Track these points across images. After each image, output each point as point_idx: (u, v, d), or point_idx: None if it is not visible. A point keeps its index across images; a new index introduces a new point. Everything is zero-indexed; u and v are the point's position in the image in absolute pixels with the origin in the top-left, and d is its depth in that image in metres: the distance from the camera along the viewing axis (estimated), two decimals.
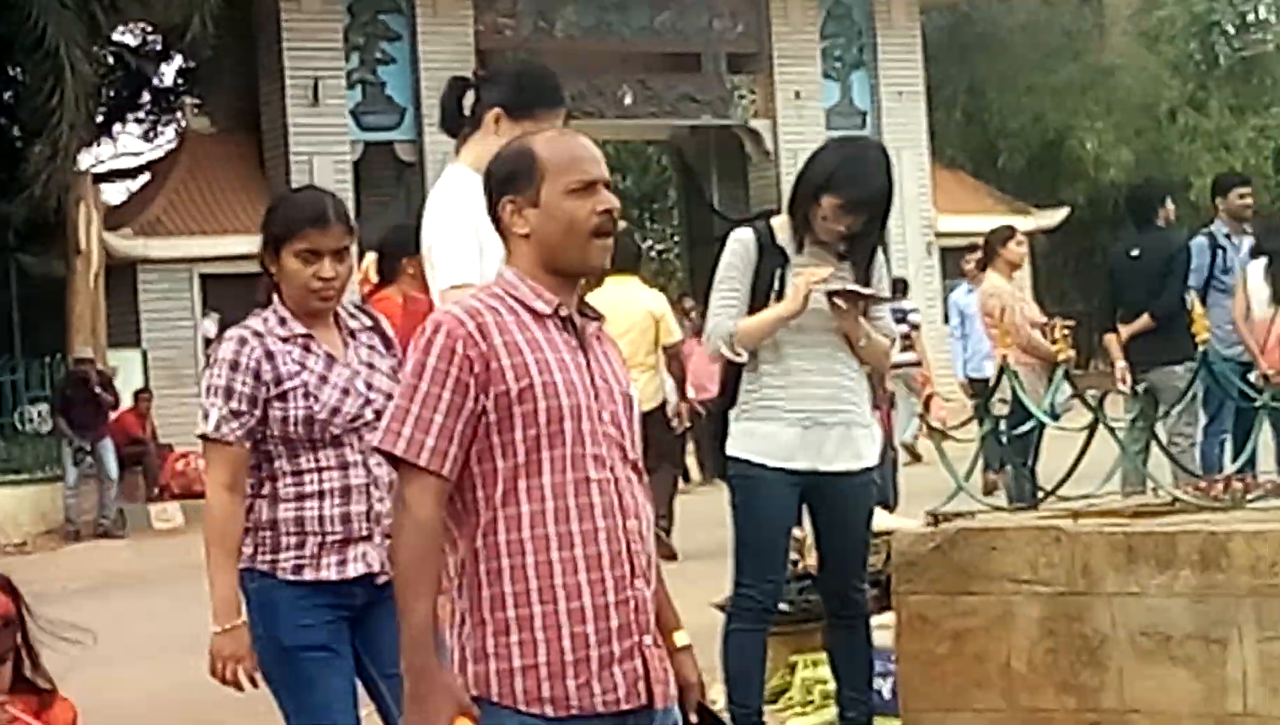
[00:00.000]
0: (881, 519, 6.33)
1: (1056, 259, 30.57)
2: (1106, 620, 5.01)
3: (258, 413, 4.23)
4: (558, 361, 3.18)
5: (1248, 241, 10.29)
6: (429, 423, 3.12)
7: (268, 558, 4.25)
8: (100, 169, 26.78)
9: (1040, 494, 5.91)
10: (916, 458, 16.77)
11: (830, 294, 5.42)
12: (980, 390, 12.70)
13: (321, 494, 4.25)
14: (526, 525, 3.14)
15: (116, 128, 28.02)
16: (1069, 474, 5.67)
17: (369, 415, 4.29)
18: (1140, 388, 9.26)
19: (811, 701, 6.54)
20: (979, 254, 12.02)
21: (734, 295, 5.55)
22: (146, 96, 27.89)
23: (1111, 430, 5.69)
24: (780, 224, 5.60)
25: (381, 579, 4.28)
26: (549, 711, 3.13)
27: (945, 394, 17.48)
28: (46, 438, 20.14)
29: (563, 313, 3.24)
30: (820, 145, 5.84)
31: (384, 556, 4.28)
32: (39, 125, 20.13)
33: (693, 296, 22.21)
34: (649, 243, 36.94)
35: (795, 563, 6.63)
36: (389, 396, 4.31)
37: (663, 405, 11.02)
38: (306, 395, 4.24)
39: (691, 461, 17.37)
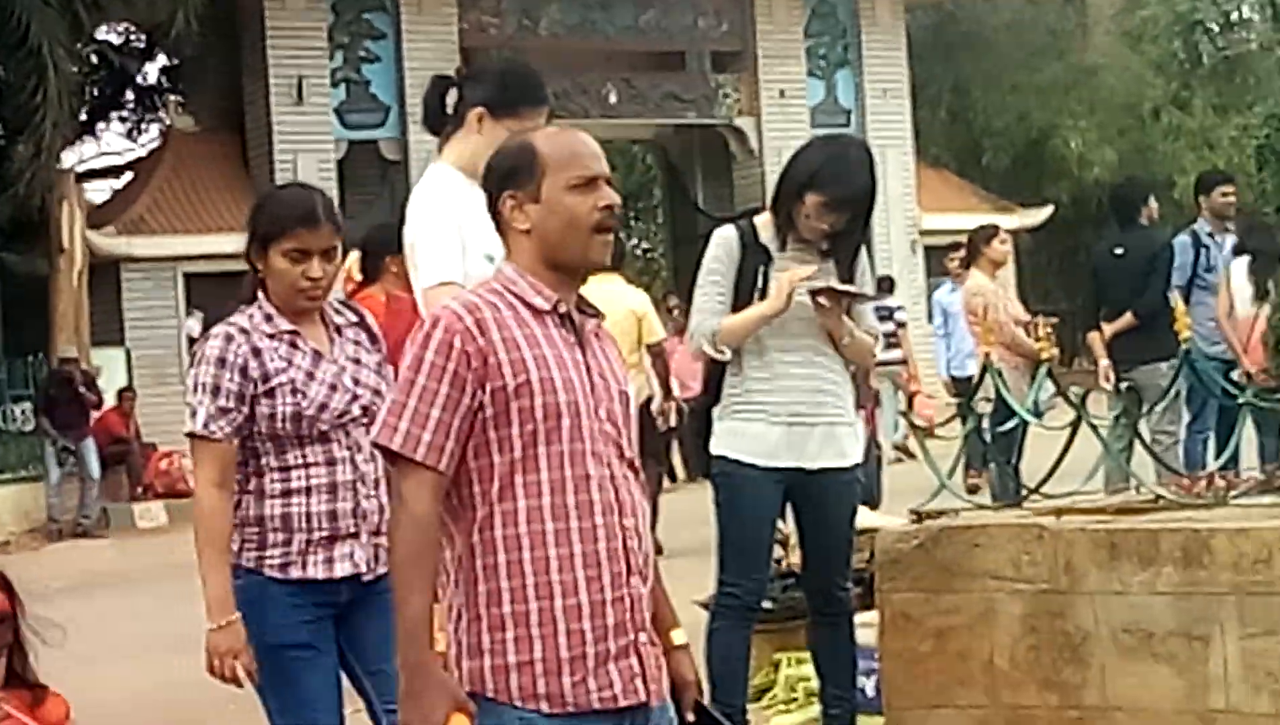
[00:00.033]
0: (865, 517, 6.33)
1: (1040, 257, 30.62)
2: (1089, 617, 5.03)
3: (245, 410, 4.22)
4: (555, 358, 3.18)
5: (1230, 240, 10.31)
6: (426, 417, 3.12)
7: (254, 554, 4.24)
8: (84, 167, 26.73)
9: (1024, 492, 5.93)
10: (910, 456, 16.80)
11: (813, 292, 5.42)
12: (963, 389, 12.76)
13: (308, 490, 4.25)
14: (523, 521, 3.13)
15: (100, 126, 27.96)
16: (1052, 472, 5.69)
17: (356, 411, 4.29)
18: (1123, 386, 9.28)
19: (795, 699, 6.55)
20: (963, 252, 12.03)
21: (717, 293, 5.55)
22: (130, 95, 27.82)
23: (1094, 428, 5.71)
24: (763, 222, 5.60)
25: (368, 576, 4.29)
26: (544, 708, 3.13)
27: (929, 392, 17.51)
28: (29, 436, 20.10)
29: (561, 309, 3.24)
30: (804, 143, 5.83)
31: (370, 555, 4.29)
32: (22, 124, 20.10)
33: (677, 295, 22.22)
34: (634, 241, 36.99)
35: (779, 561, 6.63)
36: (376, 392, 4.32)
37: (647, 403, 11.02)
38: (294, 391, 4.23)
39: (676, 459, 17.36)
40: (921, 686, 5.33)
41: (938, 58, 30.86)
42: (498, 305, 3.20)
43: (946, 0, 30.99)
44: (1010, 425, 6.95)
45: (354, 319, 4.47)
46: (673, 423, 11.90)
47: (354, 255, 7.48)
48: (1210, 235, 10.44)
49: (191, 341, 21.07)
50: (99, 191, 27.44)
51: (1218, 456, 7.43)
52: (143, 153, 27.54)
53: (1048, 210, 29.36)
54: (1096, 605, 5.01)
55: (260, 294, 4.32)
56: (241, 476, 4.27)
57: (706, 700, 4.03)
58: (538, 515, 3.13)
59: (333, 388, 4.28)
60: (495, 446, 3.14)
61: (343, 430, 4.28)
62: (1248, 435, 8.47)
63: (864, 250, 5.69)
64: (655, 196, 32.99)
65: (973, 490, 11.44)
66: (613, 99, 26.46)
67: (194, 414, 4.22)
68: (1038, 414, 6.59)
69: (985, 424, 7.45)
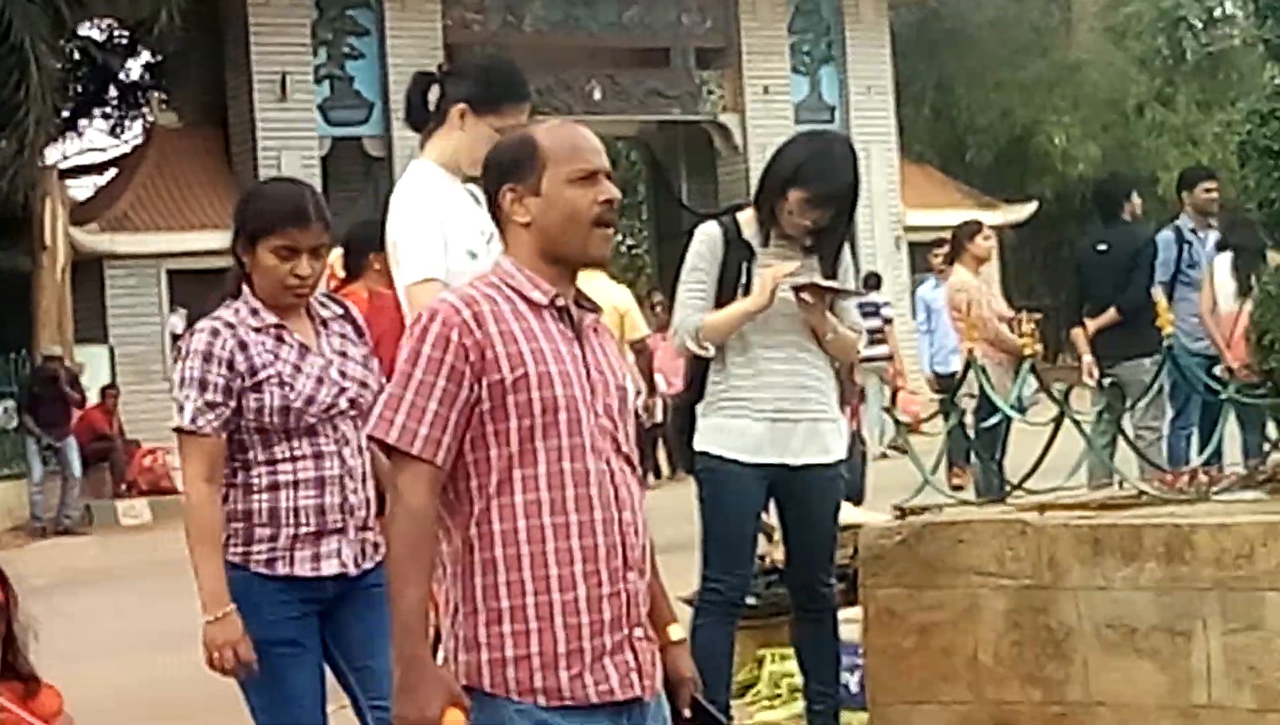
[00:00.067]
0: (848, 513, 6.34)
1: (1024, 253, 30.67)
2: (1072, 613, 5.03)
3: (233, 403, 4.20)
4: (553, 352, 3.17)
5: (1214, 235, 10.33)
6: (423, 411, 3.11)
7: (240, 549, 4.23)
8: (66, 164, 26.72)
9: (1007, 487, 5.93)
10: (903, 452, 16.78)
11: (797, 288, 5.42)
12: (946, 385, 12.75)
13: (295, 484, 4.24)
14: (521, 515, 3.12)
15: (83, 123, 27.92)
16: (1035, 467, 5.70)
17: (343, 404, 4.28)
18: (1107, 381, 9.29)
19: (779, 695, 6.56)
20: (946, 248, 12.04)
21: (700, 290, 5.54)
22: (113, 91, 27.79)
23: (1077, 424, 5.72)
24: (746, 218, 5.60)
25: (354, 572, 4.28)
26: (541, 701, 3.12)
27: (914, 388, 17.53)
28: (12, 434, 20.05)
29: (559, 303, 3.23)
30: (787, 139, 5.83)
31: (357, 551, 4.28)
32: (4, 120, 20.04)
33: (662, 291, 22.23)
34: (618, 238, 36.99)
35: (763, 557, 6.64)
36: (363, 384, 4.31)
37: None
38: (281, 384, 4.22)
39: (661, 456, 17.38)
40: (905, 682, 5.33)
41: (922, 54, 30.89)
42: (495, 299, 3.19)
43: None
44: (994, 421, 6.96)
45: (339, 312, 4.47)
46: (658, 419, 11.91)
47: (336, 252, 7.46)
48: (1193, 231, 10.46)
49: (175, 338, 21.06)
50: (82, 188, 27.43)
51: (1201, 452, 7.44)
52: (126, 149, 27.51)
53: (1031, 206, 29.41)
54: (1079, 601, 5.02)
55: (245, 288, 4.31)
56: (228, 471, 4.26)
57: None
58: (535, 509, 3.13)
59: (319, 381, 4.27)
60: (493, 440, 3.14)
61: (330, 424, 4.27)
62: (1230, 431, 8.47)
63: (847, 246, 5.70)
64: (639, 193, 33.02)
65: (957, 489, 11.46)
66: (597, 95, 26.46)
67: (181, 409, 4.21)
68: (1021, 410, 6.60)
69: (968, 420, 7.46)
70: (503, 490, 3.13)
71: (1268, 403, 5.95)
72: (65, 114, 24.94)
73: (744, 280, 5.50)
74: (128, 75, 27.63)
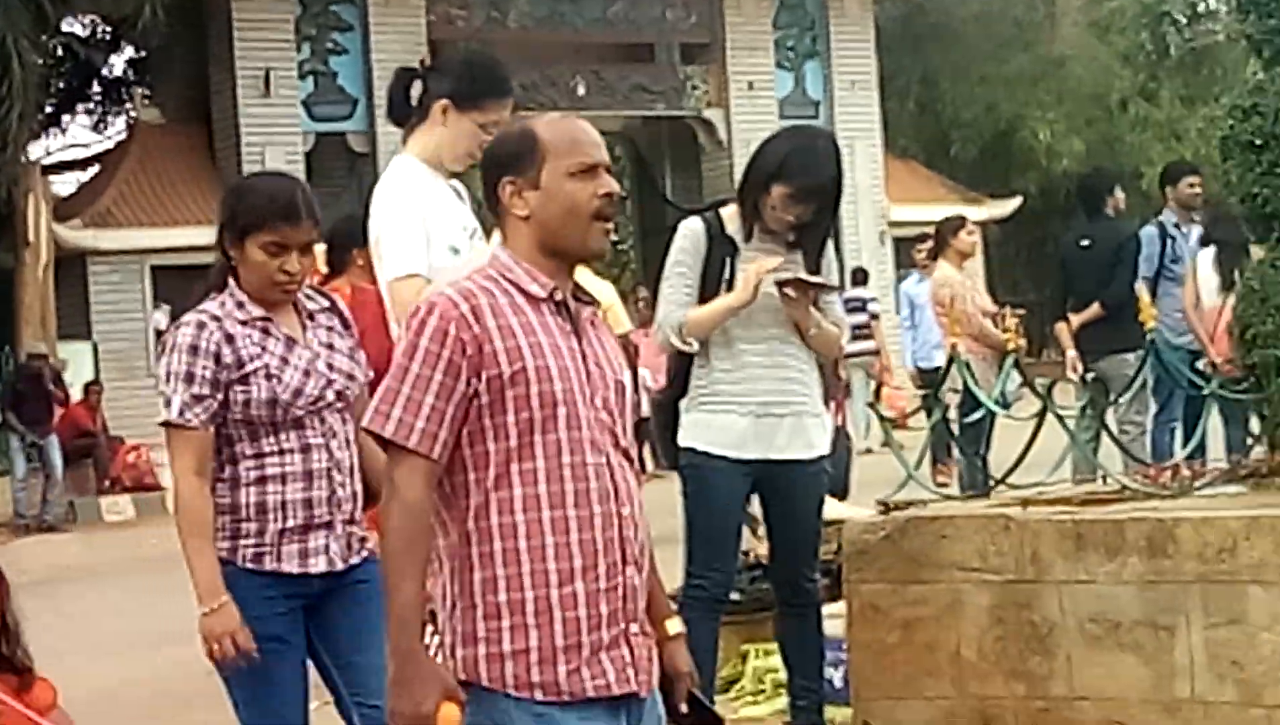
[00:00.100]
0: (832, 508, 6.34)
1: (1009, 248, 30.71)
2: (1055, 608, 5.04)
3: (220, 397, 4.19)
4: (551, 346, 3.16)
5: (1197, 230, 10.34)
6: (419, 405, 3.10)
7: (227, 544, 4.22)
8: (49, 160, 26.64)
9: (991, 482, 5.94)
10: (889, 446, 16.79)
11: (780, 283, 5.42)
12: (930, 380, 12.76)
13: (283, 478, 4.22)
14: (520, 509, 3.11)
15: (66, 119, 27.89)
16: (1018, 462, 5.70)
17: (330, 396, 4.27)
18: (1090, 376, 9.31)
19: (763, 690, 6.56)
20: (930, 243, 12.05)
21: (684, 285, 5.54)
22: (96, 87, 27.75)
23: (1061, 418, 5.73)
24: (730, 214, 5.60)
25: (340, 567, 4.27)
26: (539, 696, 3.11)
27: (899, 383, 17.54)
28: None
29: (558, 297, 3.21)
30: (771, 134, 5.83)
31: (344, 545, 4.27)
32: None
33: (646, 287, 22.23)
34: None
35: (747, 552, 6.64)
36: (350, 377, 4.30)
37: None
38: (268, 377, 4.21)
39: (645, 451, 17.35)
40: (889, 677, 5.34)
41: (906, 49, 30.91)
42: (493, 292, 3.17)
43: None
44: (977, 416, 6.97)
45: (326, 305, 4.45)
46: (643, 414, 11.90)
47: (319, 248, 7.44)
48: (1177, 226, 10.47)
49: (159, 334, 21.02)
50: (65, 184, 27.37)
51: (1184, 447, 7.45)
52: (109, 145, 27.46)
53: (1016, 201, 29.46)
54: (1063, 595, 5.03)
55: (231, 281, 4.30)
56: (216, 464, 4.24)
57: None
58: (534, 503, 3.12)
59: (306, 373, 4.26)
60: (491, 434, 3.13)
61: (317, 416, 4.26)
62: (1214, 425, 8.50)
63: (830, 242, 5.70)
64: (624, 188, 32.97)
65: (941, 484, 11.47)
66: (581, 91, 26.44)
67: (168, 403, 4.19)
68: (1005, 405, 6.60)
69: (952, 415, 7.47)
70: (500, 485, 3.13)
71: (1250, 397, 5.96)
72: (48, 110, 24.91)
73: (728, 276, 5.50)
74: (111, 71, 27.59)
